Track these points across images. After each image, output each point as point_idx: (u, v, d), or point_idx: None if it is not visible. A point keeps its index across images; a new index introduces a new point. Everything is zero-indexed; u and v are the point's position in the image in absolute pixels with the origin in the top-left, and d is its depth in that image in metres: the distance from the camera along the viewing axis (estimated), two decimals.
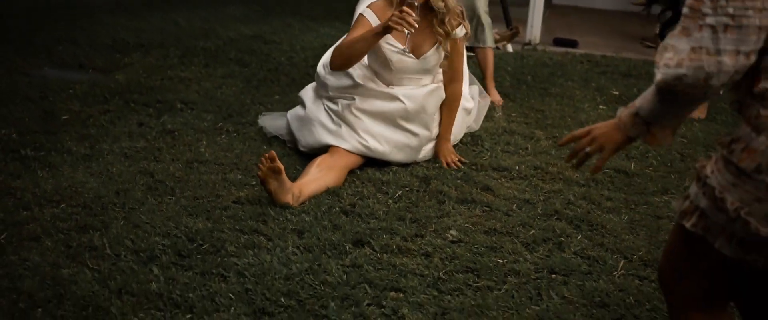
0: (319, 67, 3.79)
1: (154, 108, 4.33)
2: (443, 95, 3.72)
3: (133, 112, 4.27)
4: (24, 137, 3.78)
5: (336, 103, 3.67)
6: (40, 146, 3.66)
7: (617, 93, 5.26)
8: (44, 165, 3.45)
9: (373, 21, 3.49)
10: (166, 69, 5.15)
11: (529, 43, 6.67)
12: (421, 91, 3.65)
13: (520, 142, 4.12)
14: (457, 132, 3.92)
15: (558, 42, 6.68)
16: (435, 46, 3.62)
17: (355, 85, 3.64)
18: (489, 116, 4.38)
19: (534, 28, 6.65)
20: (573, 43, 6.68)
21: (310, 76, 5.18)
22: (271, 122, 4.07)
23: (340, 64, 3.52)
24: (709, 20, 1.43)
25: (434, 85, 3.70)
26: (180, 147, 3.77)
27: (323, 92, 3.75)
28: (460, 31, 3.65)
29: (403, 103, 3.60)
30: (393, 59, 3.58)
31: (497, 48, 6.32)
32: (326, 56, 3.78)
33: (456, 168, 3.66)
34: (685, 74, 1.44)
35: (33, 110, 4.21)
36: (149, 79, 4.88)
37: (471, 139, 4.09)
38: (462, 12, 3.66)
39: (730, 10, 1.42)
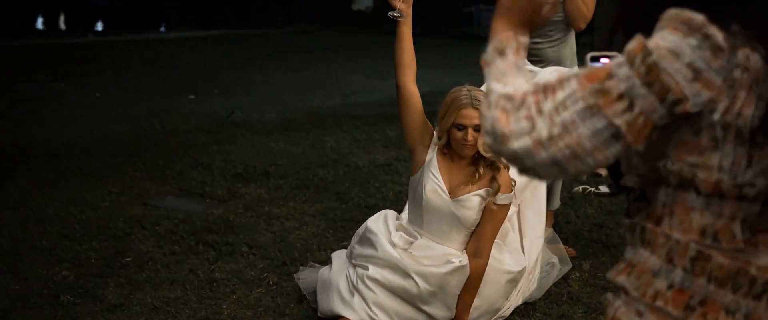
0: (353, 235, 3.61)
1: (217, 251, 4.35)
2: (468, 273, 3.33)
3: (196, 254, 4.30)
4: (77, 280, 3.94)
5: (355, 270, 3.43)
6: (84, 293, 3.78)
7: None
8: (73, 316, 3.55)
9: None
10: (266, 203, 5.19)
11: None
12: (439, 269, 3.26)
13: (579, 318, 3.59)
14: (499, 304, 3.48)
15: None
16: (473, 193, 3.28)
17: (373, 254, 3.37)
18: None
19: None
20: None
21: None
22: (308, 276, 3.89)
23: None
24: (540, 122, 1.23)
25: (458, 263, 3.29)
26: (208, 301, 3.72)
27: (349, 257, 3.54)
28: (504, 199, 3.28)
29: (416, 282, 3.26)
30: (427, 187, 3.28)
31: (588, 191, 5.70)
32: (359, 228, 3.58)
33: None
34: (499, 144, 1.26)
35: (107, 248, 4.40)
36: (241, 216, 4.93)
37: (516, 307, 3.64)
38: (513, 182, 3.32)
39: (565, 141, 1.21)
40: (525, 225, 3.69)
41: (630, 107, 1.19)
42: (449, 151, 3.31)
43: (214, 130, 7.45)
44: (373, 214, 4.96)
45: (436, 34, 22.80)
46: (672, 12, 1.20)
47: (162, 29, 22.41)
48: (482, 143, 3.19)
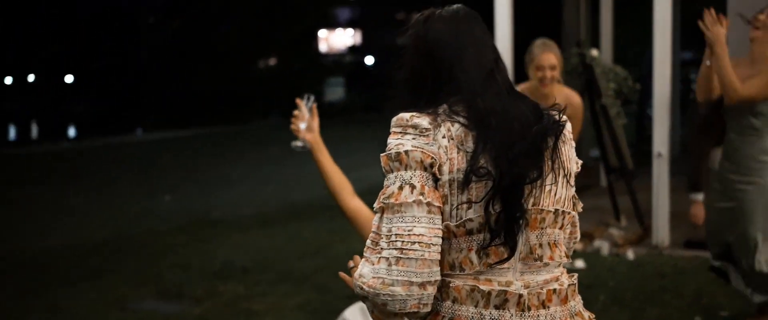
0: None
1: None
2: None
3: None
4: None
5: None
6: None
7: (725, 314, 4.55)
8: None
9: None
10: (245, 300, 5.21)
11: (656, 247, 6.02)
12: None
13: None
14: None
15: (690, 244, 5.92)
16: None
17: None
18: None
19: (659, 228, 6.01)
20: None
21: None
22: None
23: None
24: (384, 253, 1.58)
25: None
26: None
27: None
28: None
29: None
30: None
31: (616, 254, 5.80)
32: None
33: None
34: (367, 298, 1.60)
35: None
36: (219, 315, 4.94)
37: None
38: None
39: (399, 244, 1.58)
40: None
41: (411, 186, 1.61)
42: None
43: (192, 230, 7.49)
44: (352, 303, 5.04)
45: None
46: (392, 120, 1.68)
47: (138, 132, 22.61)
48: None
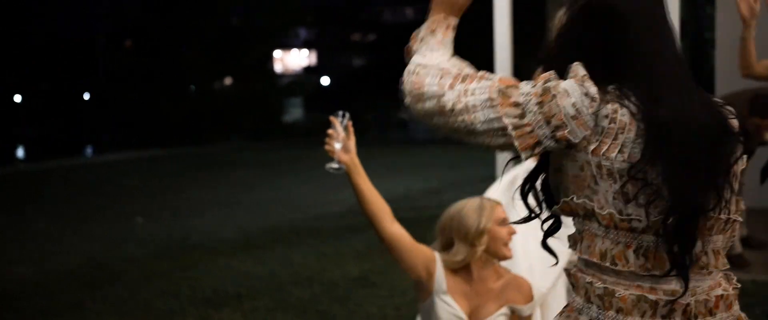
0: None
1: None
2: None
3: None
4: None
5: None
6: None
7: None
8: None
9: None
10: None
11: None
12: None
13: None
14: None
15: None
16: (497, 313, 3.06)
17: None
18: None
19: None
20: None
21: None
22: None
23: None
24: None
25: None
26: None
27: None
28: (527, 309, 3.07)
29: None
30: None
31: None
32: None
33: None
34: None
35: None
36: None
37: None
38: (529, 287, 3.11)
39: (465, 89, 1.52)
40: None
41: (521, 116, 1.48)
42: (465, 268, 3.08)
43: (173, 255, 7.12)
44: None
45: (372, 141, 22.91)
46: (573, 65, 1.50)
47: (88, 151, 21.91)
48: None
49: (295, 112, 31.54)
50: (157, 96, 26.13)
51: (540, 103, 1.47)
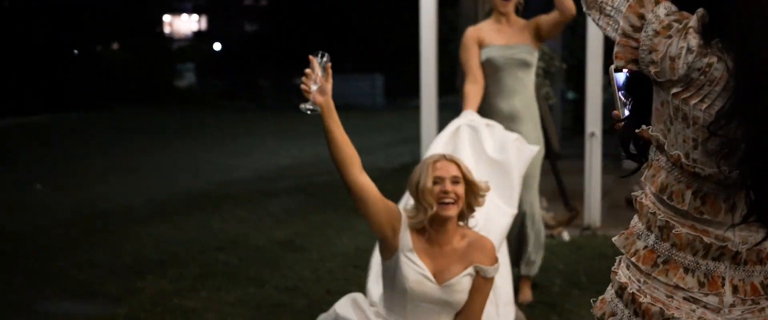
0: None
1: None
2: None
3: None
4: None
5: None
6: None
7: None
8: None
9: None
10: (174, 295, 4.70)
11: (588, 228, 5.97)
12: None
13: None
14: None
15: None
16: (462, 274, 2.99)
17: None
18: None
19: (592, 209, 5.96)
20: None
21: (331, 294, 4.66)
22: None
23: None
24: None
25: None
26: None
27: None
28: (492, 270, 3.01)
29: None
30: (410, 278, 2.91)
31: (551, 236, 5.68)
32: (320, 318, 3.19)
33: None
34: None
35: None
36: (151, 314, 4.41)
37: None
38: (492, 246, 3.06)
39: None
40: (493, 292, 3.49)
41: (636, 29, 1.55)
42: (427, 228, 3.01)
43: (83, 224, 6.76)
44: (294, 296, 4.67)
45: (270, 106, 22.58)
46: (697, 12, 1.52)
47: None
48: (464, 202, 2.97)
49: (188, 77, 30.66)
50: (39, 60, 24.90)
51: (656, 32, 1.53)
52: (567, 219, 6.01)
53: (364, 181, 2.86)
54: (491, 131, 3.92)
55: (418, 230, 2.97)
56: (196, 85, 30.09)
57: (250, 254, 5.61)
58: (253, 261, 5.40)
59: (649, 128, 1.61)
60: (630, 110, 1.70)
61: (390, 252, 2.98)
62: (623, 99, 1.73)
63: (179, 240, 6.06)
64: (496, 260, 3.01)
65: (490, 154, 3.77)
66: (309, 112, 2.67)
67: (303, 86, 2.71)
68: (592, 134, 5.82)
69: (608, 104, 8.76)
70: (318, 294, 4.69)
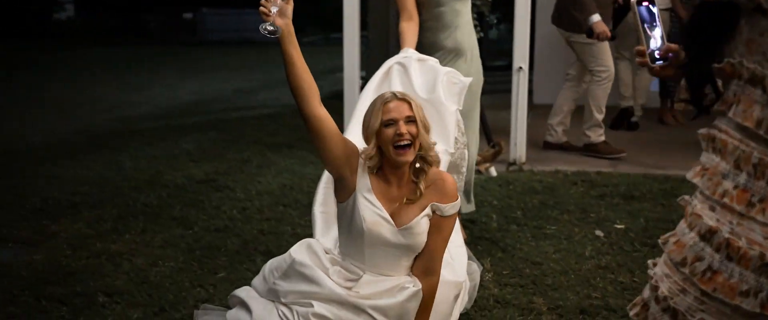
0: (266, 271, 2.99)
1: (70, 306, 3.55)
2: (421, 295, 2.92)
3: (44, 314, 3.49)
4: None
5: (291, 310, 2.87)
6: None
7: (622, 227, 4.55)
8: None
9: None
10: (96, 240, 4.40)
11: (514, 163, 5.96)
12: (396, 299, 2.82)
13: (516, 319, 3.37)
14: None
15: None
16: (420, 216, 2.85)
17: (313, 290, 2.82)
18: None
19: (518, 144, 5.94)
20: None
21: (264, 234, 4.48)
22: None
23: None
24: None
25: (412, 288, 2.87)
26: None
27: (271, 295, 2.95)
28: (449, 208, 2.88)
29: (373, 317, 2.80)
30: (367, 219, 2.75)
31: (478, 171, 5.63)
32: (272, 262, 3.00)
33: None
34: None
35: None
36: (72, 259, 4.12)
37: None
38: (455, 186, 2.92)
39: None
40: None
41: None
42: (384, 169, 2.86)
43: None
44: (225, 236, 4.46)
45: (160, 42, 21.73)
46: None
47: None
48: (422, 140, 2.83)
49: (68, 9, 29.13)
50: None
51: None
52: (492, 155, 5.96)
53: (322, 113, 2.68)
54: (422, 66, 3.77)
55: (374, 173, 2.82)
56: (75, 19, 28.67)
57: (170, 194, 5.33)
58: (175, 202, 5.13)
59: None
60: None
61: (347, 193, 2.81)
62: (648, 32, 1.61)
63: (89, 181, 5.71)
64: (455, 197, 2.88)
65: (418, 94, 3.63)
66: (269, 34, 2.52)
67: (262, 8, 2.54)
68: (520, 68, 5.75)
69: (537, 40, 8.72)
70: (251, 234, 4.49)
